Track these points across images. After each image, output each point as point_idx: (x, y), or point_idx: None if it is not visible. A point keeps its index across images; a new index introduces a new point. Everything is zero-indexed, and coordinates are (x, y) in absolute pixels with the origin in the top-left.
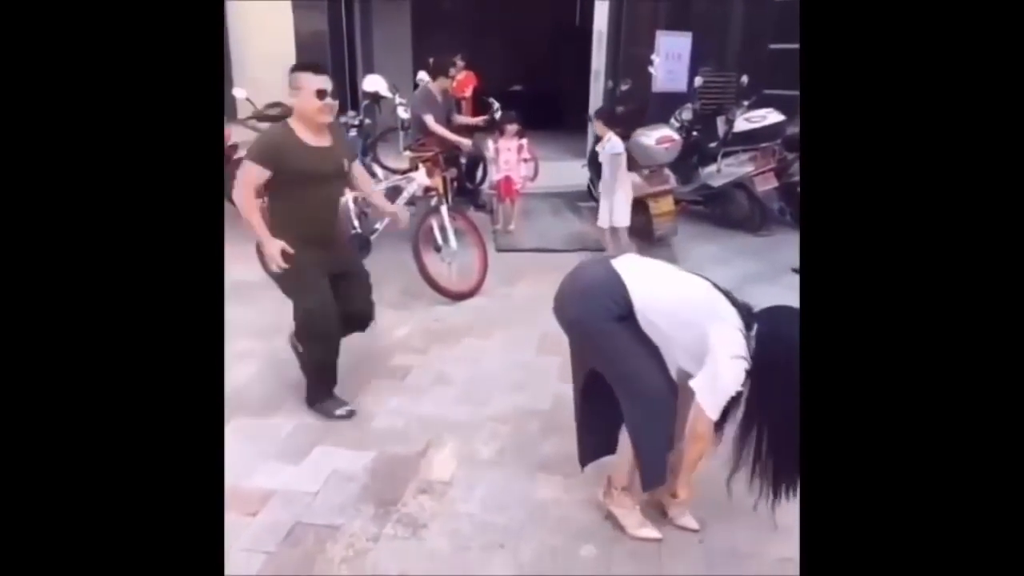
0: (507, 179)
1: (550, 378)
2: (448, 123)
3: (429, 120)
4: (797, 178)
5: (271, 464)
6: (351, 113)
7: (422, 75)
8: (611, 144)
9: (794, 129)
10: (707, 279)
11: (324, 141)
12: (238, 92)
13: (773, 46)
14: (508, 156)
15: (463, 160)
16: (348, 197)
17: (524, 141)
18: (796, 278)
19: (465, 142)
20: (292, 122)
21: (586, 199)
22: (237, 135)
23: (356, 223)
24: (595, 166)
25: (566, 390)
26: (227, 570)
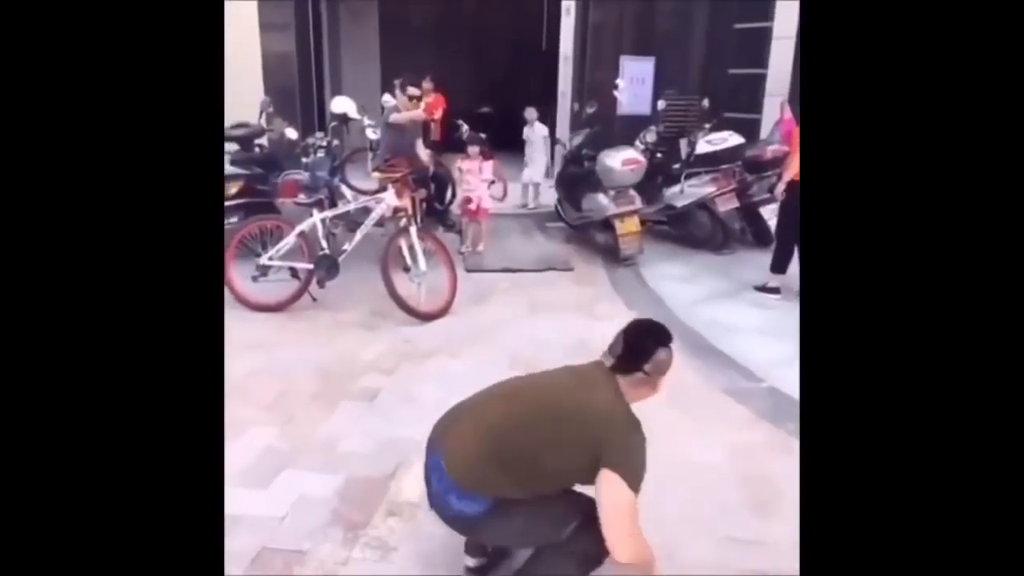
0: (468, 200)
1: None
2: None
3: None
4: (757, 199)
5: (237, 488)
6: (319, 134)
7: (387, 98)
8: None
9: (753, 151)
10: None
11: None
12: None
13: (733, 71)
14: (471, 177)
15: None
16: (316, 218)
17: (489, 163)
18: (758, 295)
19: (422, 154)
20: None
21: (555, 219)
22: None
23: (324, 244)
24: (563, 186)
25: None
26: None
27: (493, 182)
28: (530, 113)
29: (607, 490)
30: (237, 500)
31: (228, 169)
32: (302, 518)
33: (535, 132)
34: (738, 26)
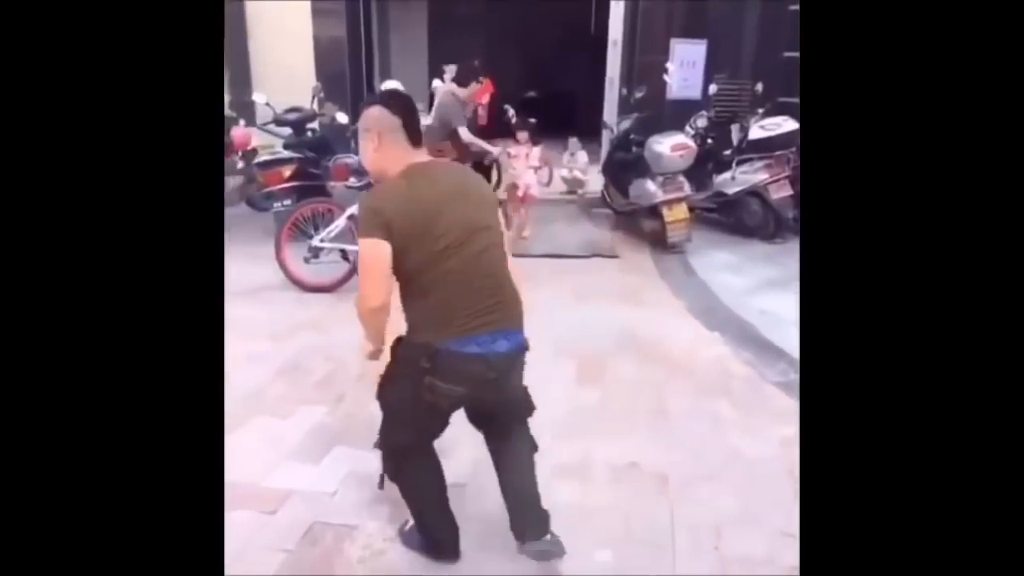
0: (515, 185)
1: (565, 382)
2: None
3: (464, 132)
4: None
5: (290, 463)
6: None
7: (437, 83)
8: None
9: None
10: None
11: None
12: (258, 97)
13: (788, 54)
14: (518, 163)
15: (485, 162)
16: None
17: (536, 148)
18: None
19: (494, 150)
20: None
21: (601, 205)
22: (257, 139)
23: None
24: (610, 172)
25: (582, 394)
26: (247, 568)
27: (540, 167)
28: (574, 144)
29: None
30: (291, 474)
31: (282, 153)
32: (352, 494)
33: (576, 161)
34: (793, 8)
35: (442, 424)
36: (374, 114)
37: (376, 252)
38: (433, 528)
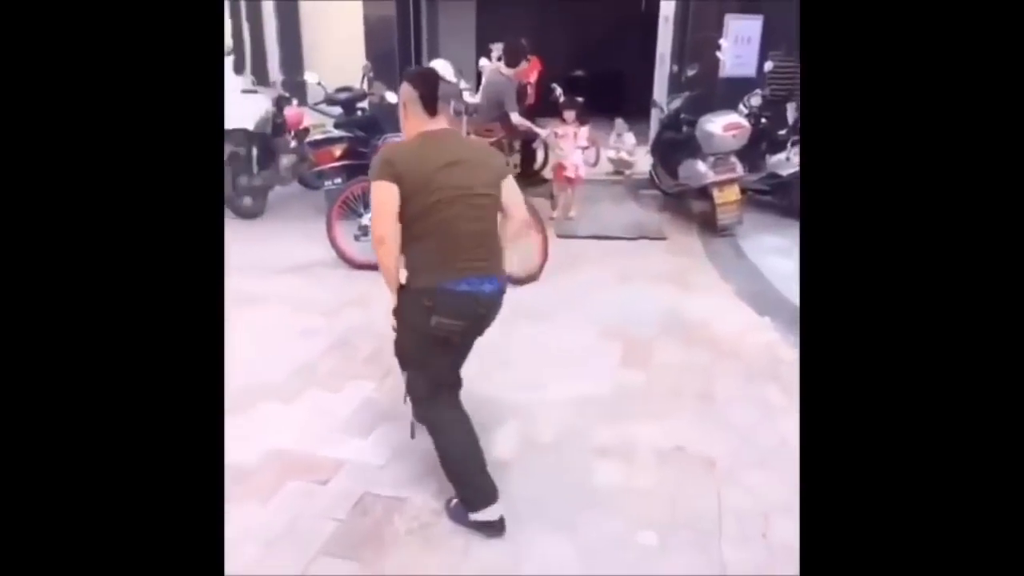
0: (561, 165)
1: (610, 363)
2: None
3: (515, 117)
4: None
5: (341, 436)
6: None
7: (484, 62)
8: None
9: None
10: None
11: None
12: (310, 76)
13: None
14: (565, 143)
15: (533, 146)
16: None
17: (584, 128)
18: None
19: (542, 132)
20: None
21: (649, 186)
22: (309, 119)
23: None
24: (659, 152)
25: (627, 376)
26: (300, 535)
27: (587, 147)
28: (620, 125)
29: (514, 183)
30: (342, 446)
31: (332, 132)
32: (400, 468)
33: (623, 142)
34: None
35: (453, 362)
36: (403, 88)
37: (386, 192)
38: (472, 482)
